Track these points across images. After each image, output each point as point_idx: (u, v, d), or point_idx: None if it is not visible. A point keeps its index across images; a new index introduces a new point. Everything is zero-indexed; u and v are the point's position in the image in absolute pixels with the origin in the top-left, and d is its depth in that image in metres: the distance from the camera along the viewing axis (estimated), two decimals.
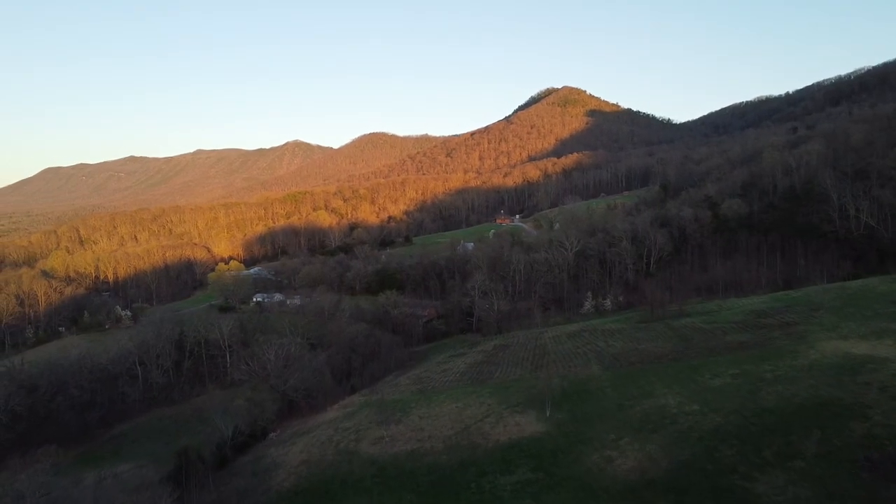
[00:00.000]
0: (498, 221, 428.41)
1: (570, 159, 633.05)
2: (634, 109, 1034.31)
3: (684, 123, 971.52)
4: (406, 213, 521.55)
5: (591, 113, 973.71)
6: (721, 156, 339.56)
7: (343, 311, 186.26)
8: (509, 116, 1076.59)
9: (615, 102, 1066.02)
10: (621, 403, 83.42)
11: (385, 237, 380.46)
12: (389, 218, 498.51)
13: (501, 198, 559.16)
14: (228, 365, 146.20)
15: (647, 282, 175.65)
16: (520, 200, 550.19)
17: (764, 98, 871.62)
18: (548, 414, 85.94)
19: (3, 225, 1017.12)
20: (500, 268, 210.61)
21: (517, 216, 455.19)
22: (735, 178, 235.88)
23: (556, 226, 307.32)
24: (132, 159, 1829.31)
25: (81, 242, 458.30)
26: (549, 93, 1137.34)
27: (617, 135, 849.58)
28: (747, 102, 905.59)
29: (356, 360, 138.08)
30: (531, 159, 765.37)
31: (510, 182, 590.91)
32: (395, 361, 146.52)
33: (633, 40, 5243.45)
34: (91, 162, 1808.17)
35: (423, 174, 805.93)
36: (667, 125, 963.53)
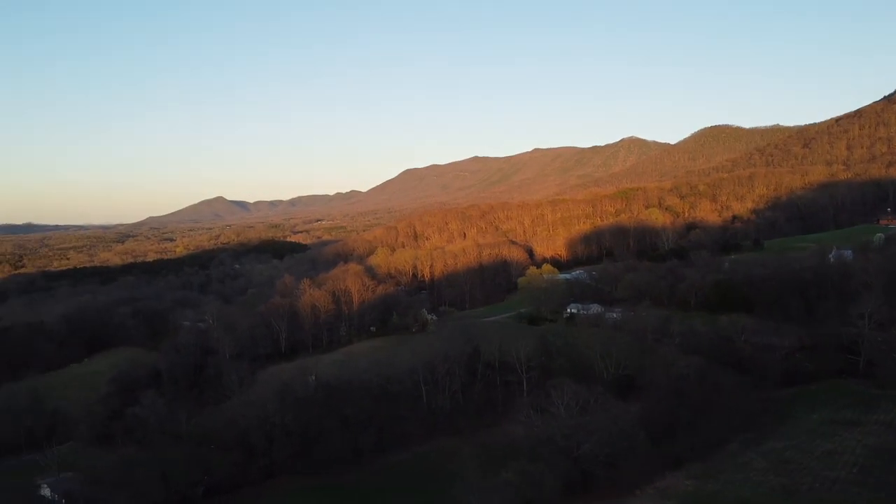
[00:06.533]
0: (882, 223, 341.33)
1: None
2: None
3: None
4: (754, 211, 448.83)
5: None
6: None
7: (671, 336, 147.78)
8: (890, 95, 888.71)
9: None
10: None
11: (728, 240, 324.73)
12: (734, 217, 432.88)
13: (884, 193, 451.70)
14: (525, 394, 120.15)
15: None
16: None
17: None
18: None
19: (368, 220, 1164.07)
20: None
21: None
22: None
23: None
24: (476, 159, 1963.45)
25: (416, 237, 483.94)
26: None
27: None
28: None
29: (683, 412, 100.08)
30: None
31: (895, 173, 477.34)
32: (741, 417, 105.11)
33: None
34: (441, 163, 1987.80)
35: (775, 168, 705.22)
36: None
